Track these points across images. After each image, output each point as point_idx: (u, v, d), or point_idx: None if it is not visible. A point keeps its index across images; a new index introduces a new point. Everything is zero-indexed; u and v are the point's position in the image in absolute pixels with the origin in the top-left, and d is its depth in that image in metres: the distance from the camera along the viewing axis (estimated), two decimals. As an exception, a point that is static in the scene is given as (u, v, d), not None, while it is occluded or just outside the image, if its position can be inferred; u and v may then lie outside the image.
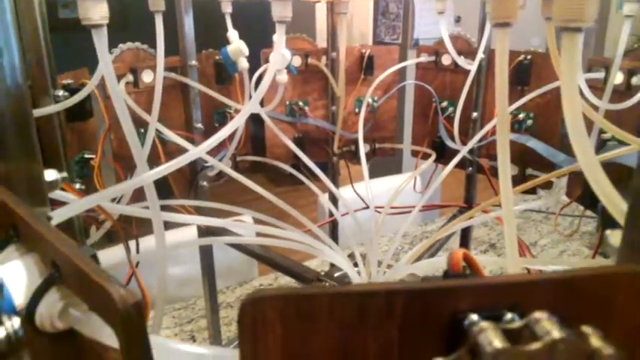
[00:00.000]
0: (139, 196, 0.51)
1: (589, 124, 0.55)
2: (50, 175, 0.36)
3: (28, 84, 0.37)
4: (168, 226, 0.50)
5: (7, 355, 0.18)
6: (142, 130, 0.58)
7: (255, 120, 0.71)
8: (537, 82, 0.68)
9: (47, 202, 0.29)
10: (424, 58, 0.78)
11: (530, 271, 0.45)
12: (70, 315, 0.19)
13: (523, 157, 0.70)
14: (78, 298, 0.20)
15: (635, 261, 0.19)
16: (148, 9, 0.54)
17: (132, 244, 0.52)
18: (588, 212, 0.65)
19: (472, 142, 0.68)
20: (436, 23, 0.69)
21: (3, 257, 0.22)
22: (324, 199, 0.72)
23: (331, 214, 0.73)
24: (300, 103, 0.78)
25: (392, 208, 0.69)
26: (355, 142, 0.77)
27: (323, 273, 0.63)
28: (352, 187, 0.82)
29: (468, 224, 0.69)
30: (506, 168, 0.32)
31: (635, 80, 0.60)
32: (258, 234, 0.63)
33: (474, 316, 0.16)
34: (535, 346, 0.14)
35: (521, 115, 0.71)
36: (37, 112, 0.44)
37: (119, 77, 0.59)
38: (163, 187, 0.64)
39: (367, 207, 0.72)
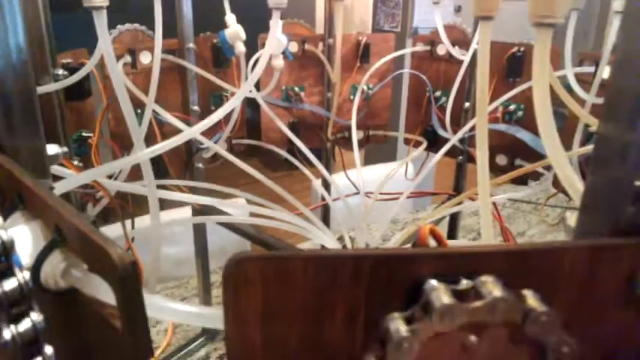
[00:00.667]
0: (135, 178, 0.53)
1: (576, 117, 0.57)
2: (52, 149, 0.38)
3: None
4: (163, 206, 0.51)
5: (20, 302, 0.20)
6: (139, 111, 0.60)
7: (251, 104, 0.72)
8: (530, 74, 0.69)
9: (49, 174, 0.31)
10: (419, 47, 0.79)
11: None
12: (72, 275, 0.21)
13: (513, 148, 0.72)
14: (79, 259, 0.22)
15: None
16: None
17: (127, 223, 0.54)
18: (573, 203, 0.67)
19: (462, 131, 0.70)
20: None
21: (10, 223, 0.24)
22: (317, 184, 0.74)
23: (324, 199, 0.75)
24: (296, 89, 0.79)
25: (382, 194, 0.71)
26: (349, 128, 0.79)
27: (313, 254, 0.65)
28: (345, 172, 0.83)
29: (455, 210, 0.71)
30: (484, 155, 0.34)
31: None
32: (252, 214, 0.64)
33: (433, 281, 0.18)
34: (478, 303, 0.16)
35: (512, 107, 0.72)
36: (38, 90, 0.45)
37: (117, 58, 0.59)
38: (159, 168, 0.66)
39: (358, 192, 0.73)
